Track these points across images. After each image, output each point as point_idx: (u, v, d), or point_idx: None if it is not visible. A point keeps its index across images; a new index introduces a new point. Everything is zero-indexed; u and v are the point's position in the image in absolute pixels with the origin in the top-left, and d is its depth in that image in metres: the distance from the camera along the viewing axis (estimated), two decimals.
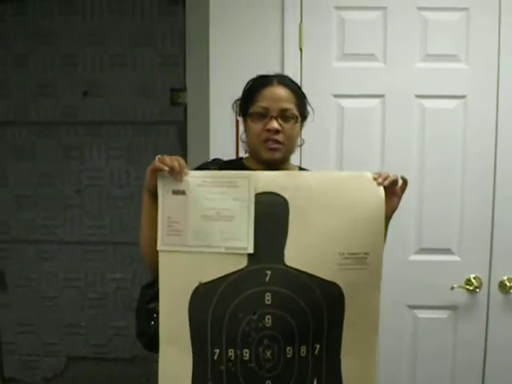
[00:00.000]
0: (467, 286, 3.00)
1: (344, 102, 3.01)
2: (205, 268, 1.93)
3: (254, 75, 2.95)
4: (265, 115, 2.08)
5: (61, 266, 4.12)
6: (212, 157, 2.95)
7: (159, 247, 1.95)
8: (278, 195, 1.93)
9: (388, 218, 2.01)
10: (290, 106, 2.11)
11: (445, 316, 3.06)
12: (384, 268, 2.93)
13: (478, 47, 2.94)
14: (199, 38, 3.18)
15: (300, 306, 1.91)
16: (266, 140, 2.08)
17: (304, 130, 2.95)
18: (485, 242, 3.01)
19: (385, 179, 1.95)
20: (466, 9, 2.94)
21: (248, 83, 2.22)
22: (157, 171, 1.92)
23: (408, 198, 2.93)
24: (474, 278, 3.00)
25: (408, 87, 2.98)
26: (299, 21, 2.97)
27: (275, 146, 2.08)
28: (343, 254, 1.92)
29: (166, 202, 1.94)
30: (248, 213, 1.92)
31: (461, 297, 3.03)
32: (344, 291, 1.93)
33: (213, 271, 1.93)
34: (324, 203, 1.94)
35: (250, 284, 1.92)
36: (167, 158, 1.93)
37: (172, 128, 3.93)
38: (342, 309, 1.94)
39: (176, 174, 1.92)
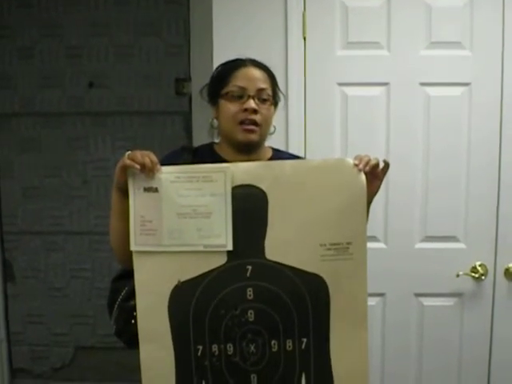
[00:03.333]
0: (473, 274, 2.99)
1: (348, 90, 3.00)
2: (183, 267, 1.90)
3: None
4: (241, 96, 2.04)
5: (68, 257, 4.14)
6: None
7: (132, 247, 1.89)
8: (255, 187, 1.89)
9: (369, 202, 1.96)
10: (266, 86, 2.08)
11: (451, 303, 3.06)
12: (390, 256, 3.00)
13: (482, 34, 2.92)
14: (203, 28, 3.18)
15: (283, 300, 1.90)
16: (242, 121, 2.03)
17: (308, 118, 2.98)
18: (490, 230, 3.00)
19: (366, 164, 1.89)
20: None
21: (218, 67, 2.18)
22: (127, 168, 1.85)
23: (413, 186, 2.98)
24: (480, 266, 2.99)
25: (412, 75, 2.96)
26: (302, 9, 2.96)
27: (251, 127, 2.03)
28: (325, 244, 1.89)
29: (138, 200, 1.87)
30: (225, 208, 1.87)
31: (466, 284, 3.02)
32: (328, 283, 1.90)
33: (192, 269, 1.90)
34: (303, 193, 1.89)
35: (231, 280, 1.90)
36: (138, 154, 1.85)
37: (177, 118, 3.93)
38: (328, 301, 1.91)
39: (148, 171, 1.84)
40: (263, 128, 2.08)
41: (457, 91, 2.97)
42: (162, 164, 1.90)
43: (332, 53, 2.99)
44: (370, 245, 2.93)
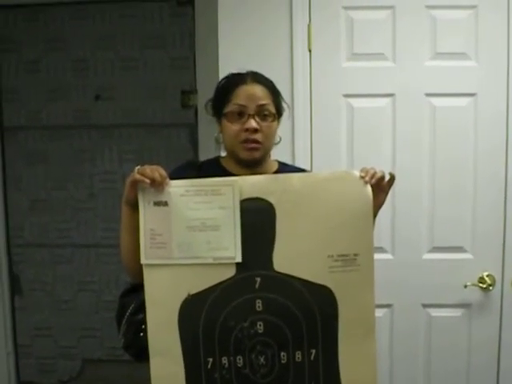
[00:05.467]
0: (480, 284, 2.99)
1: (354, 101, 3.00)
2: (193, 279, 1.92)
3: None
4: (241, 114, 2.05)
5: (75, 270, 4.14)
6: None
7: (143, 261, 1.91)
8: (263, 200, 1.90)
9: (375, 214, 1.98)
10: (267, 102, 2.08)
11: (458, 314, 3.06)
12: (397, 267, 3.00)
13: (488, 45, 2.93)
14: (209, 40, 3.19)
15: (291, 311, 1.91)
16: (245, 140, 2.04)
17: (314, 130, 2.99)
18: (497, 240, 2.99)
19: (372, 177, 1.91)
20: (474, 6, 2.92)
21: (220, 82, 2.18)
22: (137, 183, 1.87)
23: (420, 197, 2.98)
24: (487, 276, 2.99)
25: (418, 86, 2.97)
26: (308, 21, 2.97)
27: (253, 145, 2.04)
28: (332, 256, 1.90)
29: (148, 214, 1.90)
30: (234, 221, 1.88)
31: (474, 295, 3.02)
32: (336, 294, 1.91)
33: (201, 282, 1.91)
34: (311, 205, 1.91)
35: (240, 292, 1.91)
36: (147, 169, 1.87)
37: (183, 130, 3.93)
38: (336, 312, 1.92)
39: (157, 185, 1.87)
40: (266, 144, 2.09)
41: (462, 102, 2.97)
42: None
43: (337, 65, 3.00)
44: (377, 256, 2.93)
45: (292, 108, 2.93)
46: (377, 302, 2.99)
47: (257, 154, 2.07)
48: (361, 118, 3.01)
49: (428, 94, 2.97)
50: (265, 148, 2.09)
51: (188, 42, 3.83)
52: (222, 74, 2.97)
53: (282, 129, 2.86)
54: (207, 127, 3.27)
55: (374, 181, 1.91)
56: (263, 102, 2.06)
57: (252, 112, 2.04)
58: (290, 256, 1.91)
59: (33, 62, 3.97)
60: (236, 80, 2.12)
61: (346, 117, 3.01)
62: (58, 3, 3.87)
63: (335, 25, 2.98)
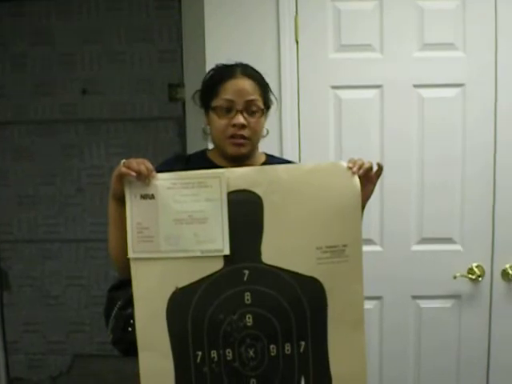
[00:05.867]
0: (470, 275, 2.98)
1: (342, 93, 2.99)
2: (180, 272, 1.91)
3: None
4: (229, 109, 2.03)
5: (64, 265, 4.12)
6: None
7: (130, 255, 1.90)
8: (250, 192, 1.90)
9: (363, 205, 1.97)
10: (255, 97, 2.06)
11: (448, 305, 3.05)
12: (386, 259, 3.00)
13: (475, 35, 2.92)
14: (196, 33, 3.16)
15: (280, 304, 1.90)
16: (232, 136, 2.03)
17: (302, 121, 2.97)
18: (486, 231, 2.99)
19: (359, 168, 1.91)
20: None
21: (208, 73, 2.16)
22: (123, 177, 1.86)
23: (409, 188, 2.98)
24: (477, 267, 2.99)
25: (406, 77, 2.96)
26: (294, 13, 2.95)
27: (241, 141, 2.04)
28: (321, 247, 1.89)
29: (135, 207, 1.89)
30: (221, 213, 1.88)
31: (464, 286, 3.01)
32: (325, 286, 1.91)
33: (189, 275, 1.90)
34: (299, 197, 1.90)
35: (229, 285, 1.90)
36: (134, 162, 1.86)
37: (171, 124, 3.92)
38: (325, 304, 1.92)
39: (144, 178, 1.86)
40: (253, 140, 2.08)
41: (451, 92, 2.96)
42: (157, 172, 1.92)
43: (325, 56, 2.98)
44: (366, 248, 2.92)
45: (280, 100, 2.93)
46: (366, 294, 2.99)
47: (244, 150, 2.06)
48: (349, 110, 3.00)
49: (416, 85, 2.96)
50: (252, 143, 2.08)
51: (175, 35, 3.82)
52: (210, 67, 2.94)
53: (270, 121, 2.84)
54: (195, 120, 3.26)
55: (361, 171, 1.90)
56: (252, 98, 2.05)
57: (240, 107, 2.03)
58: (279, 248, 1.90)
59: (19, 56, 3.96)
60: (225, 73, 2.10)
61: (334, 108, 3.00)
62: None
63: (322, 16, 2.96)
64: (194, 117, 3.28)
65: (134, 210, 1.89)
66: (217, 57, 2.94)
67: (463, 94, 2.95)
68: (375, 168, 1.97)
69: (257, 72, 2.14)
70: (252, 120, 2.05)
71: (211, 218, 1.88)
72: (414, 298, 3.06)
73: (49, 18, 3.90)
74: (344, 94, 2.99)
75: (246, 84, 2.06)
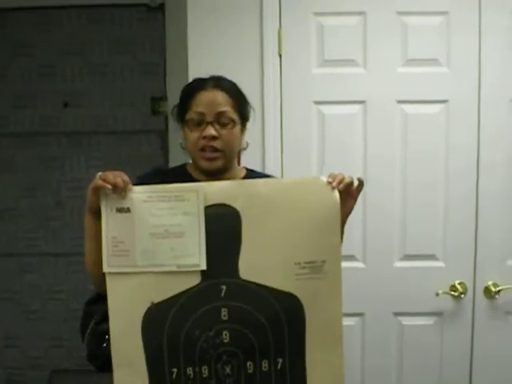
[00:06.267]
0: (452, 292, 2.97)
1: (325, 108, 2.98)
2: (156, 288, 1.87)
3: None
4: (200, 122, 2.01)
5: (44, 279, 4.08)
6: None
7: (105, 269, 1.87)
8: (228, 206, 1.87)
9: (343, 221, 1.94)
10: (226, 108, 2.03)
11: (430, 322, 3.03)
12: (369, 275, 2.98)
13: (459, 51, 2.92)
14: (179, 46, 3.16)
15: (258, 320, 1.87)
16: (203, 148, 2.01)
17: (285, 136, 2.95)
18: (469, 248, 2.97)
19: (339, 182, 1.88)
20: (445, 12, 2.91)
21: (183, 88, 2.14)
22: (99, 189, 1.83)
23: (391, 204, 2.97)
24: (459, 284, 2.97)
25: (389, 92, 2.95)
26: (278, 26, 2.94)
27: (213, 155, 2.01)
28: (299, 263, 1.87)
29: (111, 220, 1.85)
30: (198, 227, 1.85)
31: (446, 303, 2.99)
32: (303, 302, 1.88)
33: (165, 290, 1.87)
34: (277, 212, 1.88)
35: (205, 300, 1.87)
36: (110, 175, 1.83)
37: (153, 137, 3.90)
38: (303, 321, 1.89)
39: (120, 191, 1.83)
40: (227, 152, 2.04)
41: (434, 108, 2.96)
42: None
43: (308, 71, 2.97)
44: (348, 264, 2.95)
45: (262, 114, 2.93)
46: (348, 310, 2.97)
47: (216, 164, 2.03)
48: (332, 125, 2.98)
49: (400, 101, 2.95)
50: (226, 156, 2.04)
51: (158, 47, 3.80)
52: (191, 80, 2.96)
53: (252, 135, 2.82)
54: (177, 134, 3.23)
55: (341, 186, 1.88)
56: (222, 109, 2.02)
57: (210, 119, 2.00)
58: (256, 263, 1.87)
59: None
60: (197, 86, 2.08)
61: (317, 124, 2.98)
62: (24, 8, 3.81)
63: (305, 30, 2.95)
64: (177, 130, 3.25)
65: (110, 223, 1.86)
66: (200, 70, 2.91)
67: (447, 111, 2.95)
68: (356, 183, 1.94)
69: (231, 83, 2.12)
70: (224, 131, 2.01)
71: (188, 232, 1.85)
72: (396, 314, 3.04)
73: (29, 29, 3.87)
74: (327, 110, 2.98)
75: (216, 96, 2.03)
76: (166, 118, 3.63)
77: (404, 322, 3.04)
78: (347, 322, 2.99)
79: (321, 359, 1.92)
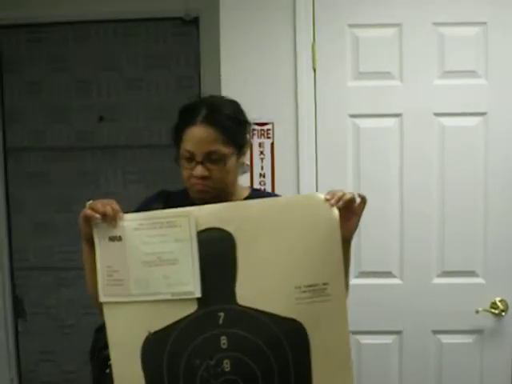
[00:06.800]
0: (492, 310, 2.90)
1: (360, 121, 2.94)
2: (152, 317, 1.81)
3: (267, 97, 2.92)
4: (191, 159, 1.93)
5: (79, 293, 4.05)
6: None
7: (101, 299, 1.83)
8: (221, 230, 1.79)
9: (348, 240, 1.86)
10: (216, 147, 1.93)
11: (470, 341, 2.96)
12: (406, 292, 2.92)
13: (497, 62, 2.86)
14: (213, 59, 3.14)
15: (259, 348, 1.78)
16: (194, 184, 1.95)
17: (320, 151, 2.91)
18: (510, 264, 2.91)
19: (339, 199, 1.77)
20: (483, 23, 2.86)
21: (178, 115, 2.04)
22: (89, 219, 1.80)
23: (429, 219, 2.91)
24: (500, 301, 2.90)
25: (426, 105, 2.90)
26: (312, 40, 2.91)
27: (203, 188, 1.93)
28: (300, 287, 1.77)
29: (104, 250, 1.82)
30: (191, 254, 1.79)
31: (486, 320, 2.93)
32: (306, 327, 1.78)
33: (161, 319, 1.81)
34: (273, 233, 1.79)
35: (203, 328, 1.80)
36: (98, 204, 1.79)
37: None
38: (307, 347, 1.79)
39: (110, 220, 1.79)
40: (220, 187, 1.97)
41: (472, 121, 2.90)
42: (139, 211, 1.88)
43: (343, 84, 2.93)
44: (385, 280, 2.93)
45: (296, 128, 2.93)
46: (385, 328, 2.97)
47: (207, 196, 1.94)
48: (367, 139, 2.94)
49: (437, 114, 2.90)
50: (219, 191, 1.97)
51: (193, 61, 3.79)
52: (225, 93, 2.94)
53: (286, 149, 2.81)
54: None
55: (341, 203, 1.77)
56: (212, 149, 1.92)
57: (200, 159, 1.92)
58: (254, 288, 1.79)
59: (35, 82, 3.94)
60: (187, 118, 1.98)
61: (352, 137, 2.95)
62: (60, 23, 3.84)
63: (340, 43, 2.92)
64: None
65: (103, 252, 1.82)
66: (232, 83, 2.94)
67: (485, 123, 2.89)
68: (358, 200, 1.84)
69: (222, 113, 2.00)
70: (215, 169, 1.94)
71: (181, 259, 1.79)
72: (435, 332, 2.97)
73: (66, 44, 3.88)
74: (362, 123, 2.94)
75: (205, 133, 1.93)
76: None
77: (443, 340, 2.98)
78: (384, 339, 2.98)
79: None
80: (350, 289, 2.89)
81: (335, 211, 1.77)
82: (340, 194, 1.78)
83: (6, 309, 4.04)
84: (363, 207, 1.85)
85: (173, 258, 1.79)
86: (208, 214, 1.80)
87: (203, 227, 1.79)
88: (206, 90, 3.46)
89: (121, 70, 3.89)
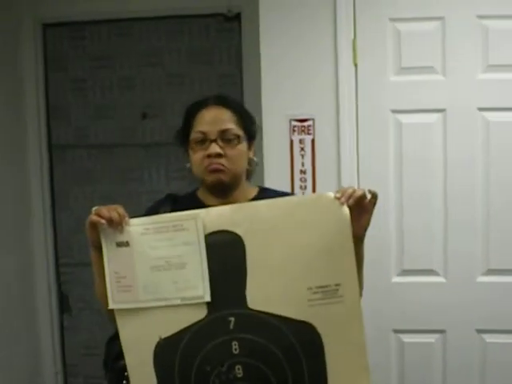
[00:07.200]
0: None
1: (402, 117, 2.90)
2: (163, 322, 1.79)
3: (307, 93, 2.90)
4: (204, 141, 1.91)
5: None
6: (266, 179, 2.88)
7: (111, 306, 1.81)
8: (230, 232, 1.76)
9: (361, 238, 1.81)
10: (230, 125, 1.93)
11: None
12: (450, 290, 2.87)
13: None
14: (254, 55, 3.12)
15: (272, 352, 1.74)
16: (208, 165, 1.90)
17: (361, 147, 2.88)
18: None
19: (349, 197, 1.73)
20: None
21: (185, 110, 2.04)
22: (95, 225, 1.78)
23: (474, 217, 2.86)
24: None
25: (470, 100, 2.84)
26: (352, 36, 2.88)
27: (219, 166, 1.89)
28: (311, 288, 1.73)
29: (112, 256, 1.79)
30: (200, 257, 1.76)
31: None
32: (320, 330, 1.74)
33: (172, 325, 1.79)
34: (282, 234, 1.75)
35: (214, 334, 1.77)
36: (104, 210, 1.78)
37: None
38: (322, 351, 1.74)
39: (116, 225, 1.77)
40: (233, 169, 1.94)
41: None
42: (147, 215, 1.85)
43: (385, 79, 2.90)
44: (428, 278, 2.89)
45: (337, 124, 2.90)
46: (428, 327, 2.92)
47: (222, 176, 1.92)
48: (410, 135, 2.90)
49: (481, 109, 2.84)
50: (233, 173, 1.94)
51: (235, 57, 3.78)
52: (265, 91, 2.92)
53: (327, 146, 2.78)
54: (255, 142, 3.20)
55: (351, 201, 1.73)
56: (226, 127, 1.92)
57: (214, 137, 1.90)
58: (265, 291, 1.76)
59: (80, 80, 3.98)
60: (197, 105, 1.99)
61: (394, 133, 2.90)
62: (103, 20, 3.87)
63: (382, 38, 2.88)
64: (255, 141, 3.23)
65: (111, 258, 1.80)
66: (272, 79, 2.93)
67: None
68: (369, 196, 1.78)
69: (233, 101, 2.04)
70: (229, 148, 1.91)
71: (190, 262, 1.77)
72: (479, 331, 2.92)
73: (109, 41, 3.91)
74: (405, 119, 2.90)
75: (218, 113, 1.94)
76: None
77: (488, 340, 2.92)
78: (427, 339, 2.94)
79: None
80: (393, 286, 2.92)
81: (346, 209, 1.73)
82: (350, 191, 1.75)
83: (52, 304, 4.08)
84: (375, 203, 1.79)
85: (181, 262, 1.77)
86: (216, 216, 1.78)
87: (211, 230, 1.77)
88: (248, 86, 3.45)
89: (163, 66, 3.89)
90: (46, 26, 3.92)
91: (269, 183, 2.78)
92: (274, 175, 2.93)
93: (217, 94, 2.05)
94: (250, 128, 2.02)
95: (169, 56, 3.89)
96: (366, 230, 1.81)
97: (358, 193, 1.74)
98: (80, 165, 4.04)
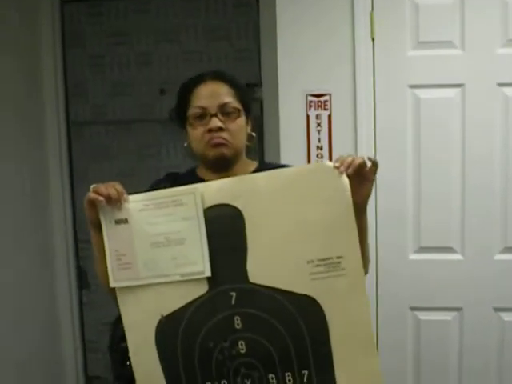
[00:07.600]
0: None
1: (421, 92, 2.86)
2: (164, 299, 1.78)
3: (324, 67, 2.87)
4: (203, 116, 1.90)
5: None
6: (283, 155, 2.86)
7: (112, 284, 1.80)
8: (229, 206, 1.74)
9: (362, 208, 1.77)
10: (229, 99, 1.92)
11: None
12: (467, 268, 2.86)
13: None
14: (272, 32, 3.09)
15: (275, 327, 1.72)
16: (210, 140, 1.89)
17: (378, 122, 2.85)
18: None
19: (348, 166, 1.68)
20: None
21: (180, 87, 2.04)
22: (93, 202, 1.78)
23: (492, 193, 2.83)
24: None
25: (489, 75, 2.80)
26: (370, 9, 2.84)
27: (220, 140, 1.88)
28: (313, 261, 1.70)
29: (111, 233, 1.79)
30: (199, 232, 1.74)
31: None
32: (322, 304, 1.71)
33: (173, 302, 1.78)
34: (282, 206, 1.72)
35: (216, 309, 1.75)
36: (102, 187, 1.78)
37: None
38: (325, 325, 1.71)
39: (115, 202, 1.77)
40: (234, 143, 1.92)
41: None
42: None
43: (402, 54, 2.86)
44: (445, 256, 2.86)
45: (354, 99, 2.88)
46: (445, 304, 2.90)
47: (225, 150, 1.90)
48: (428, 110, 2.86)
49: (500, 84, 2.81)
50: (234, 147, 1.93)
51: (252, 33, 3.74)
52: (281, 66, 2.90)
53: (344, 121, 2.76)
54: (273, 119, 3.19)
55: (350, 170, 1.68)
56: (225, 101, 1.91)
57: (214, 111, 1.89)
58: (266, 265, 1.73)
59: (97, 56, 3.95)
60: (194, 81, 1.98)
61: (412, 108, 2.87)
62: None
63: (399, 11, 2.84)
64: (272, 115, 3.22)
65: (111, 236, 1.79)
66: (289, 55, 2.90)
67: None
68: (369, 163, 1.75)
69: (231, 75, 2.02)
70: (229, 122, 1.90)
71: (189, 238, 1.75)
72: (497, 310, 2.90)
73: (126, 17, 3.88)
74: (423, 94, 2.87)
75: (216, 87, 1.94)
76: (262, 104, 3.57)
77: (505, 318, 2.90)
78: (444, 316, 2.92)
79: (352, 369, 1.74)
80: (410, 264, 2.90)
81: (345, 179, 1.69)
82: (349, 159, 1.70)
83: (71, 280, 4.09)
84: (375, 171, 1.76)
85: (180, 237, 1.75)
86: (214, 190, 1.76)
87: (210, 204, 1.75)
88: (266, 63, 3.43)
89: (181, 43, 3.86)
90: (64, 3, 3.89)
91: (285, 159, 2.77)
92: (291, 151, 2.92)
93: (212, 70, 2.04)
94: (248, 102, 2.01)
95: (186, 32, 3.85)
96: (367, 199, 1.78)
97: (358, 161, 1.70)
98: (98, 141, 4.04)
